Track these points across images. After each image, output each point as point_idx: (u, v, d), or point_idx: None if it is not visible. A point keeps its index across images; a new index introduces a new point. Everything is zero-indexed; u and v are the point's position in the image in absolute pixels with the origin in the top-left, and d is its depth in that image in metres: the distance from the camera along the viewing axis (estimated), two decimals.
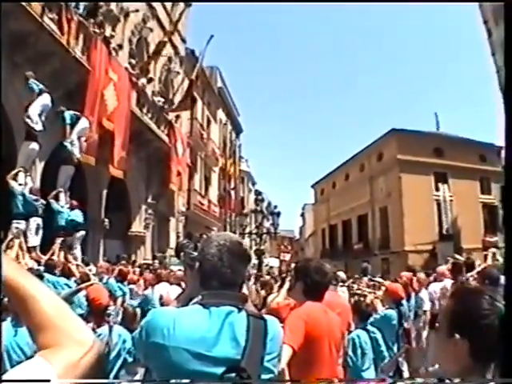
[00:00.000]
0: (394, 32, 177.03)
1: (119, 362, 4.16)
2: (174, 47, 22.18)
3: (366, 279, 10.95)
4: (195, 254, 2.03)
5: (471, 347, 1.42)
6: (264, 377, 1.69)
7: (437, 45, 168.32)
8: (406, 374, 5.53)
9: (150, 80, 18.22)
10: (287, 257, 35.79)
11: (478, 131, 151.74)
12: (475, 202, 37.02)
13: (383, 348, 5.07)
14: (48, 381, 0.77)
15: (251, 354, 1.64)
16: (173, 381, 1.61)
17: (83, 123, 11.39)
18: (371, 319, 5.31)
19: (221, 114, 34.30)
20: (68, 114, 10.92)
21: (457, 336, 1.44)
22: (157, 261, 13.81)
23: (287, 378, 2.62)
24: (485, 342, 1.40)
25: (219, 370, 1.59)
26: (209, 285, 1.81)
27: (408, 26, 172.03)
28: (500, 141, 54.50)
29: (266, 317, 1.86)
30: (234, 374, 1.57)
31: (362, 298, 7.09)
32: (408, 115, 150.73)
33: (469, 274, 7.39)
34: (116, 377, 4.05)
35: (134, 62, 17.43)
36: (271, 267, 31.24)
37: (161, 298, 6.99)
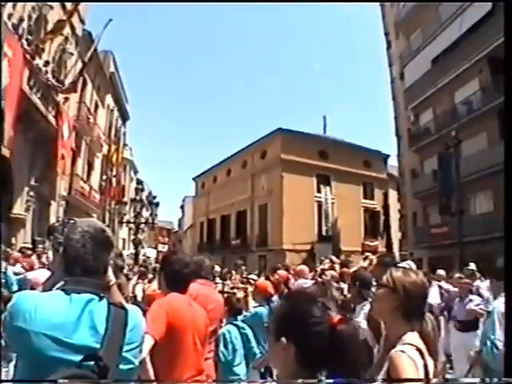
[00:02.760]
0: (288, 32, 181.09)
1: None
2: (72, 27, 21.38)
3: (238, 276, 11.18)
4: (61, 238, 1.96)
5: (298, 353, 1.42)
6: (123, 367, 1.68)
7: (333, 50, 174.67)
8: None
9: (46, 63, 17.62)
10: (165, 248, 35.64)
11: (366, 138, 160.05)
12: (357, 206, 38.55)
13: (254, 344, 5.17)
14: (52, 381, 0.94)
15: (110, 342, 1.64)
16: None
17: None
18: (242, 316, 5.47)
19: (109, 100, 33.55)
20: None
21: (284, 339, 1.44)
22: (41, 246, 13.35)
23: (149, 368, 2.64)
24: (312, 350, 1.41)
25: (78, 358, 1.57)
26: (72, 271, 1.79)
27: (304, 28, 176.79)
28: (387, 149, 57.74)
29: (128, 306, 1.84)
30: (92, 363, 1.56)
31: (233, 294, 7.26)
32: (298, 117, 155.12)
33: (328, 273, 7.81)
34: None
35: (31, 38, 16.68)
36: (148, 257, 31.25)
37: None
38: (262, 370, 5.32)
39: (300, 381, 1.40)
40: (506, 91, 2.85)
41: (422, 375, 1.93)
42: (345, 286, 6.99)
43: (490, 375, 4.06)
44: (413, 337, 2.11)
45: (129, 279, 9.57)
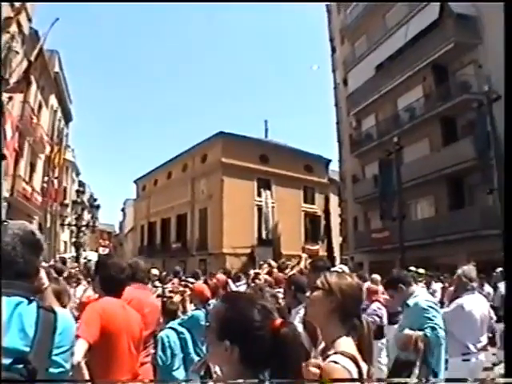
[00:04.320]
0: (232, 35, 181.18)
1: None
2: (19, 25, 20.45)
3: (176, 280, 11.04)
4: None
5: (242, 354, 1.50)
6: (53, 370, 1.65)
7: (277, 54, 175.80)
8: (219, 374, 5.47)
9: None
10: (105, 251, 35.04)
11: (308, 143, 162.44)
12: (297, 211, 38.71)
13: (192, 348, 5.31)
14: (52, 381, 1.13)
15: (39, 346, 1.61)
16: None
17: None
18: (180, 319, 5.60)
19: (53, 100, 32.43)
20: None
21: (227, 342, 1.51)
22: None
23: (84, 372, 2.65)
24: (255, 352, 1.49)
25: (7, 361, 1.52)
26: (3, 274, 1.73)
27: (248, 30, 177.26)
28: (329, 154, 58.78)
29: (58, 310, 1.81)
30: (21, 366, 1.52)
31: (170, 297, 7.25)
32: (240, 121, 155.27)
33: (261, 277, 8.17)
34: None
35: None
36: (89, 260, 30.49)
37: None
38: (202, 372, 5.09)
39: (241, 380, 1.47)
40: (505, 90, 2.63)
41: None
42: (279, 290, 7.11)
43: (432, 354, 4.22)
44: (346, 343, 2.09)
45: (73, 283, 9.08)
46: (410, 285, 4.72)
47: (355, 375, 1.93)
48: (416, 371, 4.11)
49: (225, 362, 1.56)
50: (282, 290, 6.83)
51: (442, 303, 8.04)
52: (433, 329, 4.24)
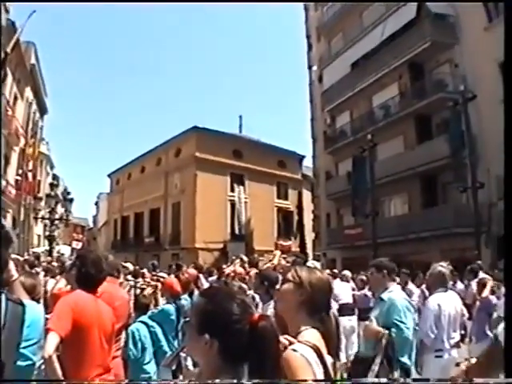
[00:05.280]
0: (209, 30, 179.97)
1: None
2: None
3: (148, 274, 11.04)
4: None
5: (221, 348, 1.52)
6: (21, 363, 1.68)
7: (253, 50, 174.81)
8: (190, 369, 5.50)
9: None
10: (79, 245, 34.76)
11: (282, 139, 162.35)
12: (270, 206, 38.78)
13: (163, 342, 5.29)
14: (52, 381, 1.40)
15: (7, 339, 1.60)
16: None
17: None
18: (150, 313, 5.56)
19: (28, 92, 32.01)
20: None
21: (207, 336, 1.53)
22: None
23: (56, 365, 2.62)
24: (234, 345, 1.52)
25: None
26: None
27: (223, 26, 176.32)
28: (303, 150, 59.13)
29: (26, 302, 1.82)
30: None
31: (142, 290, 7.40)
32: (214, 116, 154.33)
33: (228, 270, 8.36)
34: None
35: None
36: (62, 254, 30.33)
37: None
38: (174, 367, 5.15)
39: (218, 381, 1.49)
40: (505, 91, 2.65)
41: (318, 373, 1.93)
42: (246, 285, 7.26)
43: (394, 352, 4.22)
44: (311, 334, 2.11)
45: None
46: (392, 277, 4.74)
47: (314, 364, 1.94)
48: (375, 368, 4.12)
49: (204, 355, 1.57)
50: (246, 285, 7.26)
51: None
52: (399, 329, 4.26)
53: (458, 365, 2.72)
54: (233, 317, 1.54)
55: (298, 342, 2.04)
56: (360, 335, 8.05)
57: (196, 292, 7.87)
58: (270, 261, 8.61)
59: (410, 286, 10.57)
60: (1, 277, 1.83)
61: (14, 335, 1.65)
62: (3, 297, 1.69)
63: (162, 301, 6.43)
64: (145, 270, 12.31)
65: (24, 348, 1.71)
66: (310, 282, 2.25)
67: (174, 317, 5.64)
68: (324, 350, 2.06)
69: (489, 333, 6.70)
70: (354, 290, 10.31)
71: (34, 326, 1.80)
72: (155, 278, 10.08)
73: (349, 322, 9.15)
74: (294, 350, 1.97)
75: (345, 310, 9.13)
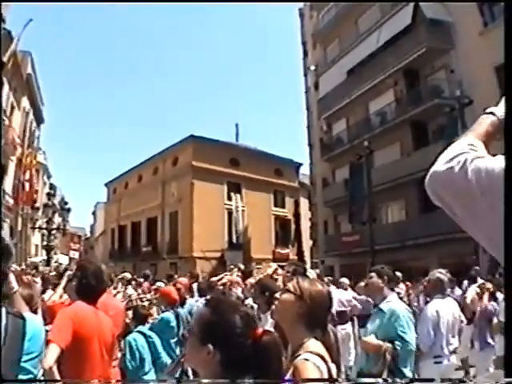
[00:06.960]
0: (206, 37, 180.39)
1: None
2: None
3: (146, 283, 11.31)
4: None
5: (222, 359, 1.51)
6: (22, 377, 1.65)
7: (249, 57, 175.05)
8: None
9: None
10: (76, 255, 34.57)
11: (279, 146, 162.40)
12: (267, 214, 38.72)
13: (162, 354, 5.24)
14: (52, 381, 1.34)
15: (8, 353, 1.58)
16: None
17: None
18: (149, 324, 5.58)
19: (25, 102, 31.91)
20: None
21: (210, 346, 1.52)
22: None
23: (57, 377, 2.58)
24: (236, 358, 1.51)
25: None
26: None
27: (219, 33, 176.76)
28: (299, 158, 59.15)
29: (27, 315, 1.80)
30: None
31: (141, 300, 7.65)
32: (211, 124, 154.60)
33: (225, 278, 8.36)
34: None
35: None
36: (60, 264, 30.23)
37: None
38: (177, 374, 5.06)
39: (218, 380, 1.51)
40: (506, 89, 2.45)
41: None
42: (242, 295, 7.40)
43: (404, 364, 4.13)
44: (315, 345, 2.12)
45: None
46: (391, 286, 4.68)
47: (325, 372, 1.97)
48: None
49: (205, 366, 1.56)
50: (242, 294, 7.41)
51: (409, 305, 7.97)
52: (404, 341, 4.13)
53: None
54: (236, 329, 1.54)
55: (306, 352, 2.04)
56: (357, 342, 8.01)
57: (188, 301, 7.87)
58: (265, 271, 8.58)
59: (398, 287, 10.43)
60: (1, 290, 1.82)
61: (14, 349, 1.64)
62: (3, 310, 1.68)
63: (154, 311, 6.57)
64: (142, 280, 12.34)
65: (25, 362, 1.69)
66: (311, 294, 2.24)
67: (174, 324, 5.66)
68: (328, 359, 2.06)
69: (490, 341, 6.68)
70: (355, 298, 10.13)
71: (35, 340, 1.78)
72: (153, 287, 10.16)
73: (343, 331, 9.01)
74: (306, 360, 1.99)
75: (340, 318, 8.97)
